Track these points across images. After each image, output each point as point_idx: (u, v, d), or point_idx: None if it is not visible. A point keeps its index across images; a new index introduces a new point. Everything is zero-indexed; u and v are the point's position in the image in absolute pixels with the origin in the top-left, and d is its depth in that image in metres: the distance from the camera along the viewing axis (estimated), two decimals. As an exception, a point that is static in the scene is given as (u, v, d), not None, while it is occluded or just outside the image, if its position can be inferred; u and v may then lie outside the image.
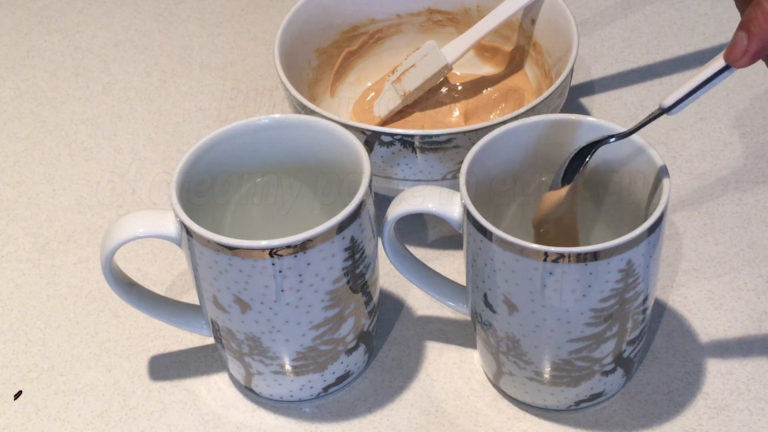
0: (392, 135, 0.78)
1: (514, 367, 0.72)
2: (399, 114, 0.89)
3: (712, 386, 0.74)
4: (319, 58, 0.90)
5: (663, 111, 0.69)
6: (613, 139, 0.70)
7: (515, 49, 0.91)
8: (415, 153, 0.79)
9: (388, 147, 0.79)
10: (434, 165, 0.80)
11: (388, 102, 0.89)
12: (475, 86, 0.91)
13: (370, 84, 0.92)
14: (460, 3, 0.92)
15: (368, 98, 0.91)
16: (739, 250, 0.82)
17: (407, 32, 0.93)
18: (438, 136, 0.78)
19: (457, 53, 0.88)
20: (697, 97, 0.68)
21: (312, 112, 0.79)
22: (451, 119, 0.89)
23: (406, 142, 0.78)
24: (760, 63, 0.70)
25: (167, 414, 0.75)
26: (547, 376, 0.71)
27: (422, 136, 0.78)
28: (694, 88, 0.68)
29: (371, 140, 0.79)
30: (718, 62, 0.68)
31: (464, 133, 0.78)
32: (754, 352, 0.76)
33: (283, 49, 0.85)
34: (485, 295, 0.69)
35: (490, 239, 0.66)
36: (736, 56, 0.68)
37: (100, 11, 1.07)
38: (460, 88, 0.91)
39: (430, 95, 0.90)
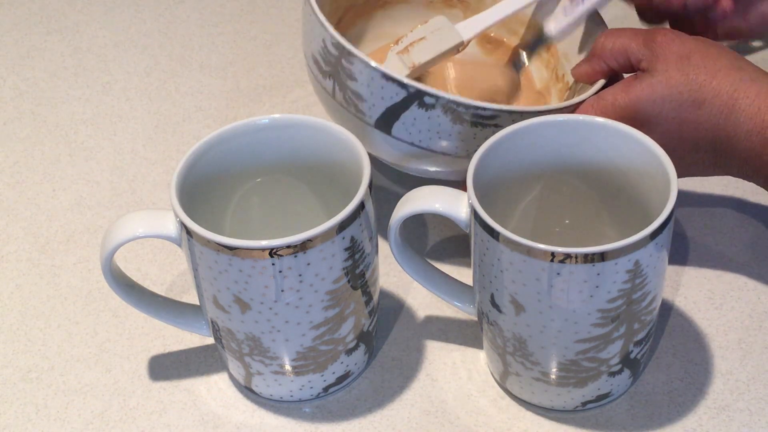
0: (437, 97, 0.74)
1: (520, 367, 0.71)
2: None
3: (712, 386, 0.74)
4: (331, 5, 0.85)
5: None
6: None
7: (521, 45, 0.89)
8: (455, 123, 0.75)
9: (426, 110, 0.75)
10: (466, 140, 0.76)
11: (393, 72, 0.84)
12: (474, 73, 0.89)
13: (368, 52, 0.87)
14: None
15: None
16: (739, 250, 0.82)
17: (413, 5, 0.90)
18: (485, 110, 0.74)
19: (472, 32, 0.84)
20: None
21: (350, 54, 0.75)
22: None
23: (450, 108, 0.75)
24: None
25: (167, 414, 0.75)
26: (553, 376, 0.71)
27: (470, 106, 0.74)
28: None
29: (409, 99, 0.75)
30: None
31: (509, 113, 0.74)
32: (754, 352, 0.76)
33: None
34: (492, 296, 0.69)
35: (498, 239, 0.66)
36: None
37: (100, 11, 1.06)
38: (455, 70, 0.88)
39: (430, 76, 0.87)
